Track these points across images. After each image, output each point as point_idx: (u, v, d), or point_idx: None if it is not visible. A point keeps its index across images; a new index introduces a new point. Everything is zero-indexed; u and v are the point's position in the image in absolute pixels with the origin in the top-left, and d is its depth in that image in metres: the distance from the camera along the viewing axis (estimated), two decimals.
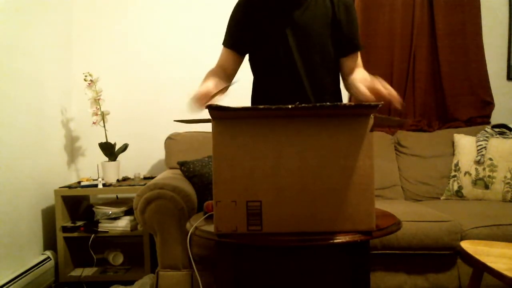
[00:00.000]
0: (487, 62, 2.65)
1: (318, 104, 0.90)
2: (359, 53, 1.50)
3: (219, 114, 0.95)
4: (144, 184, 1.91)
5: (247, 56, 1.57)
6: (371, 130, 0.99)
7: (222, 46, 1.55)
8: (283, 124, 0.99)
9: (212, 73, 1.42)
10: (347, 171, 0.99)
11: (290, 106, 0.89)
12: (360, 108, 0.92)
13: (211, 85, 1.26)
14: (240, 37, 1.51)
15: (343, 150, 0.99)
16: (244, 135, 0.98)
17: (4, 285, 1.81)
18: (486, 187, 2.23)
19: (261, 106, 0.90)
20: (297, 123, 0.99)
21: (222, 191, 0.99)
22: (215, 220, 1.00)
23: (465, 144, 2.38)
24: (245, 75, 1.55)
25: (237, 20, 1.50)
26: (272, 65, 1.48)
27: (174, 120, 1.25)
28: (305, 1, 1.42)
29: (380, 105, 0.90)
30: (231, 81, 1.51)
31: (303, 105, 0.89)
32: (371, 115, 0.99)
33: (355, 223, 1.00)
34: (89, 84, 2.34)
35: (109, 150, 2.38)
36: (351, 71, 1.46)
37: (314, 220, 0.99)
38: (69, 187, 2.28)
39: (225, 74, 1.49)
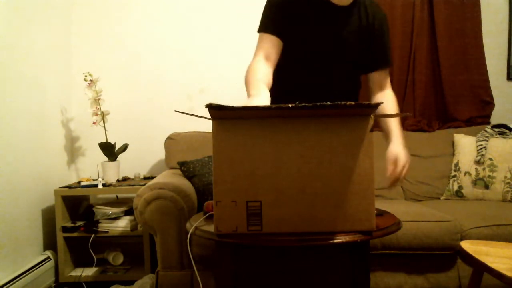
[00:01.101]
0: (487, 62, 2.65)
1: (318, 104, 0.90)
2: (388, 71, 1.53)
3: (219, 113, 0.95)
4: (144, 184, 1.91)
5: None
6: (371, 130, 0.99)
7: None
8: (283, 124, 0.99)
9: (258, 80, 1.28)
10: (347, 171, 0.99)
11: (290, 105, 0.89)
12: (360, 108, 0.92)
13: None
14: (282, 25, 1.42)
15: (343, 150, 0.99)
16: (244, 135, 0.98)
17: (4, 285, 1.81)
18: (486, 187, 2.23)
19: (261, 106, 0.90)
20: (298, 123, 0.98)
21: (222, 191, 0.99)
22: (215, 220, 1.00)
23: (465, 144, 2.38)
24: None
25: (281, 8, 1.42)
26: (304, 66, 1.45)
27: (175, 110, 1.26)
28: (347, 11, 1.41)
29: (380, 104, 0.90)
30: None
31: (303, 104, 0.89)
32: (371, 115, 0.99)
33: (355, 223, 1.00)
34: (89, 84, 2.34)
35: (109, 150, 2.38)
36: (379, 87, 1.52)
37: (314, 220, 0.99)
38: (69, 187, 2.28)
39: (271, 66, 1.38)
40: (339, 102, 0.89)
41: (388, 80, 1.53)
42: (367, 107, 0.91)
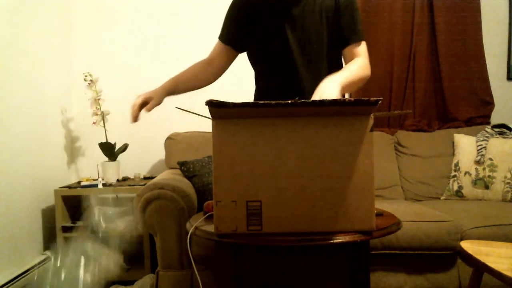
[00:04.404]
0: (487, 62, 2.65)
1: (318, 100, 0.90)
2: (361, 44, 1.45)
3: (219, 112, 0.95)
4: (144, 184, 1.91)
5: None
6: (371, 130, 0.99)
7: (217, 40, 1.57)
8: (283, 123, 0.98)
9: (194, 65, 1.56)
10: (347, 171, 0.99)
11: (290, 102, 0.89)
12: (360, 105, 0.92)
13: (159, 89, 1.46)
14: (237, 33, 1.52)
15: (343, 149, 0.99)
16: (244, 135, 0.98)
17: (4, 285, 1.81)
18: (486, 187, 2.23)
19: (261, 102, 0.90)
20: (297, 122, 0.98)
21: (222, 191, 0.99)
22: (215, 220, 1.00)
23: (465, 144, 2.38)
24: (246, 72, 1.55)
25: (235, 15, 1.52)
26: (270, 61, 1.49)
27: (176, 107, 1.28)
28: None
29: (380, 101, 0.90)
30: (218, 75, 1.60)
31: (302, 100, 0.89)
32: (371, 115, 0.99)
33: (355, 223, 0.99)
34: (89, 84, 2.35)
35: (109, 150, 2.38)
36: (351, 60, 1.43)
37: (314, 220, 0.99)
38: (69, 187, 2.28)
39: (211, 68, 1.56)
40: (338, 99, 0.89)
41: (361, 52, 1.44)
42: (366, 103, 0.90)
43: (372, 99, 0.89)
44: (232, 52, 1.56)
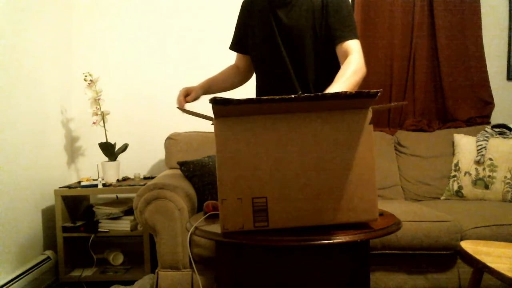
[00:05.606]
0: (487, 62, 2.65)
1: (320, 94, 0.91)
2: (353, 42, 1.41)
3: (222, 110, 0.95)
4: (144, 184, 1.91)
5: None
6: (370, 123, 1.00)
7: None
8: (285, 119, 0.99)
9: (226, 69, 1.68)
10: (348, 164, 1.00)
11: (293, 96, 0.90)
12: (360, 97, 0.93)
13: (203, 82, 1.57)
14: (239, 38, 1.62)
15: (344, 143, 1.00)
16: (246, 132, 0.98)
17: (4, 285, 1.80)
18: (486, 187, 2.24)
19: (264, 98, 0.90)
20: (299, 118, 0.99)
21: (227, 189, 0.99)
22: (221, 219, 0.99)
23: (465, 144, 2.38)
24: None
25: (237, 22, 1.62)
26: (263, 63, 1.54)
27: (177, 107, 1.30)
28: (291, 0, 1.46)
29: (379, 93, 0.91)
30: (246, 77, 1.71)
31: (305, 95, 0.90)
32: (370, 108, 1.00)
33: (359, 214, 1.00)
34: (89, 84, 2.34)
35: (109, 150, 2.38)
36: (344, 59, 1.40)
37: (319, 213, 1.00)
38: (69, 187, 2.28)
39: (238, 71, 1.68)
40: (340, 92, 0.90)
41: (353, 49, 1.39)
42: (366, 96, 0.92)
43: (372, 91, 0.91)
44: (244, 56, 1.64)
